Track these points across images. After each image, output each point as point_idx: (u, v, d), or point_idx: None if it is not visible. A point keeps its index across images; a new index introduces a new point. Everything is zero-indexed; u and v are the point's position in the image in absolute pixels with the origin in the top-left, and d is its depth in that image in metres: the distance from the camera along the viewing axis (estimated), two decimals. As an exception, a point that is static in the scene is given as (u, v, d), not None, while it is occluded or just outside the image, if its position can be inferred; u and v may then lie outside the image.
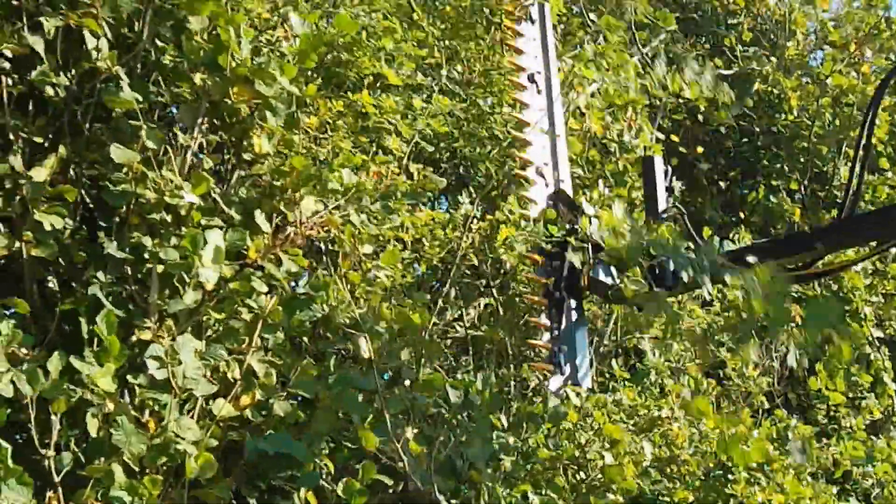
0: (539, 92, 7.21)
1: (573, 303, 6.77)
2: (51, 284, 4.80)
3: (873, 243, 6.44)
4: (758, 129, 10.90)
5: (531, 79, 7.19)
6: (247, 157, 5.07)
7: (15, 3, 4.47)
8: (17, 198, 4.42)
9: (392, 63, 5.93)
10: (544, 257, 6.62)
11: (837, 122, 10.86)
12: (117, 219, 4.72)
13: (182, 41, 4.94)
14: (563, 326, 6.67)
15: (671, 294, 6.62)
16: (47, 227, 4.42)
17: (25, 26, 4.50)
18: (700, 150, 10.59)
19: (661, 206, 6.89)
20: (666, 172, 6.97)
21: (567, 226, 6.68)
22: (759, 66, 10.56)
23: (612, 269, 6.64)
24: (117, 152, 4.48)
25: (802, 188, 10.78)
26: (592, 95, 7.30)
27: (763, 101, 10.84)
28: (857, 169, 6.12)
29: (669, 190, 6.99)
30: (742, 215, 10.82)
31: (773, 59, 10.73)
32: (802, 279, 6.96)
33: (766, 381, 9.22)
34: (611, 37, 7.73)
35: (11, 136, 4.56)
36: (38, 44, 4.42)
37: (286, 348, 4.94)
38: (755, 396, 9.01)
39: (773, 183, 10.72)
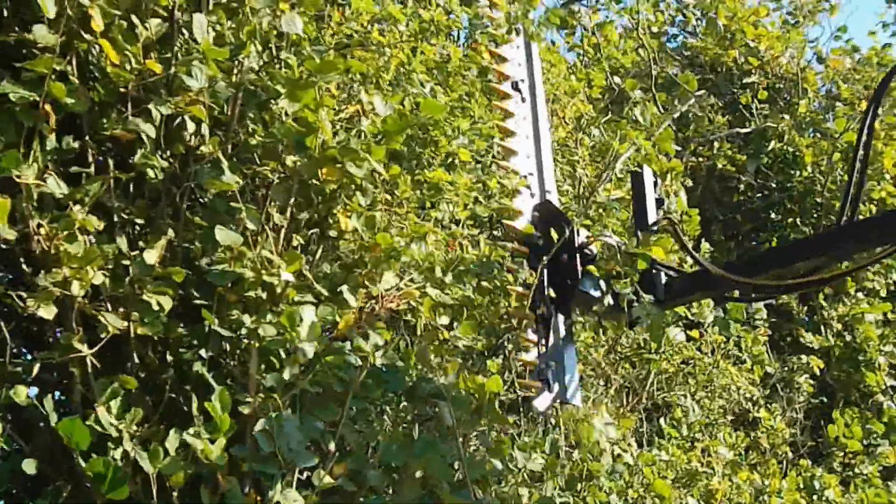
0: (523, 100, 6.97)
1: (560, 318, 6.55)
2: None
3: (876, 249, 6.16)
4: (773, 185, 11.16)
5: (515, 87, 6.97)
6: (331, 233, 5.23)
7: (122, 90, 4.62)
8: (126, 278, 4.56)
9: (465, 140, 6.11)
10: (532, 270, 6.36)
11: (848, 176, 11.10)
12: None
13: (269, 122, 5.12)
14: (550, 343, 6.41)
15: (663, 306, 6.48)
16: (154, 307, 4.55)
17: (130, 112, 4.65)
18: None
19: (651, 217, 6.68)
20: (655, 184, 6.83)
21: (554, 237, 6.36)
22: (774, 123, 10.83)
23: (601, 282, 6.44)
24: (221, 234, 4.63)
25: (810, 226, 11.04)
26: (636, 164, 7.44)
27: (778, 158, 11.12)
28: (857, 174, 6.04)
29: (659, 202, 6.81)
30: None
31: (786, 116, 11.01)
32: (797, 288, 6.89)
33: (789, 432, 9.43)
34: (650, 107, 7.93)
35: (116, 218, 4.69)
36: (148, 129, 4.56)
37: (373, 417, 5.10)
38: (780, 447, 9.20)
39: (791, 237, 10.97)
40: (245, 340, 4.79)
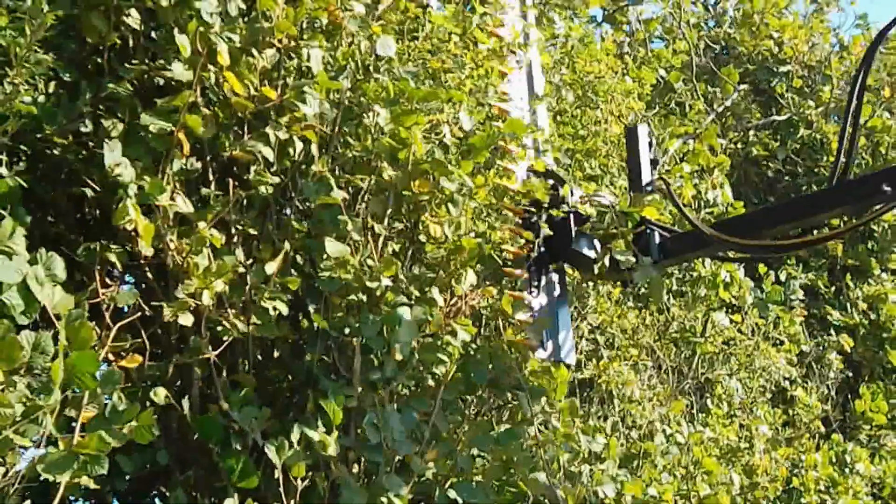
0: (518, 63, 6.90)
1: (555, 277, 6.44)
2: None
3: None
4: (801, 171, 11.57)
5: (511, 50, 6.85)
6: (420, 238, 5.66)
7: (240, 115, 5.03)
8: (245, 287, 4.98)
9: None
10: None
11: (872, 160, 11.54)
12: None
13: (361, 135, 5.53)
14: (545, 301, 6.31)
15: (657, 266, 6.33)
16: (272, 313, 4.99)
17: (247, 135, 5.06)
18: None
19: (646, 178, 6.59)
20: (650, 144, 6.71)
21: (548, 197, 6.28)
22: (803, 110, 11.20)
23: (595, 241, 6.33)
24: (331, 246, 5.06)
25: (842, 223, 11.42)
26: (683, 159, 7.83)
27: (806, 144, 11.51)
28: (849, 131, 5.96)
29: (654, 162, 6.71)
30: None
31: (811, 103, 11.39)
32: (791, 248, 7.13)
33: (821, 408, 9.87)
34: (696, 104, 8.31)
35: (233, 231, 5.12)
36: (266, 151, 4.98)
37: (461, 407, 5.56)
38: (813, 422, 9.65)
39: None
40: (349, 340, 5.23)
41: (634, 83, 8.41)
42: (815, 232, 6.70)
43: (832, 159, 11.63)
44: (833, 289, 11.33)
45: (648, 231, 6.30)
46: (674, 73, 9.18)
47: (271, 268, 4.95)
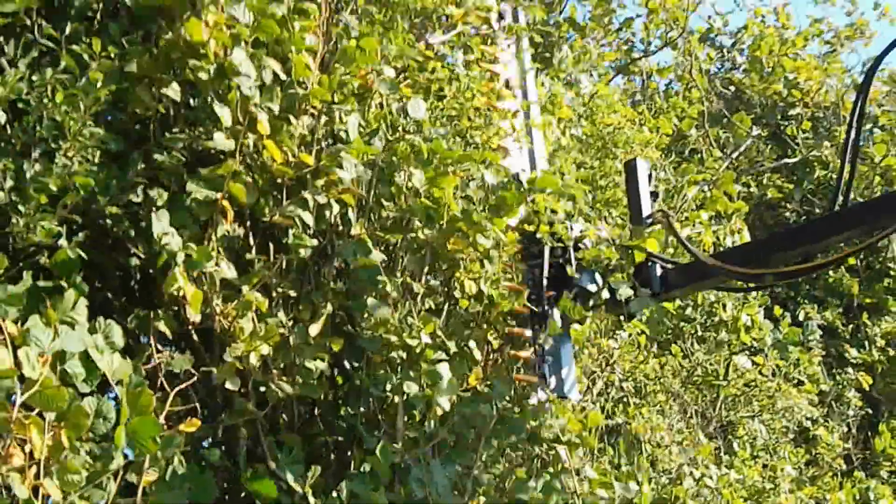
0: (514, 97, 6.91)
1: (556, 312, 6.30)
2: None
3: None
4: (818, 211, 11.68)
5: (507, 85, 6.90)
6: (456, 294, 5.77)
7: (279, 181, 5.15)
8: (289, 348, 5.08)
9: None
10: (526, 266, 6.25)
11: (888, 199, 11.64)
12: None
13: (395, 194, 5.65)
14: (546, 337, 6.15)
15: (659, 298, 6.31)
16: (315, 373, 5.08)
17: (286, 200, 5.17)
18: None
19: (646, 210, 6.53)
20: (649, 176, 6.69)
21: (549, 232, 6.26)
22: (818, 152, 11.34)
23: (596, 275, 6.27)
24: (375, 307, 5.17)
25: (858, 262, 11.58)
26: (701, 206, 7.93)
27: (822, 185, 11.65)
28: (849, 159, 5.86)
29: (653, 195, 6.66)
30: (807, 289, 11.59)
31: (827, 143, 11.53)
32: (793, 276, 6.78)
33: (842, 446, 9.94)
34: (714, 151, 8.45)
35: (273, 294, 5.22)
36: (306, 217, 5.09)
37: (501, 459, 5.65)
38: (835, 460, 9.72)
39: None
40: (390, 397, 5.32)
41: (652, 133, 8.56)
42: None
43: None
44: (850, 327, 11.41)
45: (650, 263, 6.29)
46: (686, 121, 9.31)
47: (314, 329, 5.05)
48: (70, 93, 4.33)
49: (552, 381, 6.19)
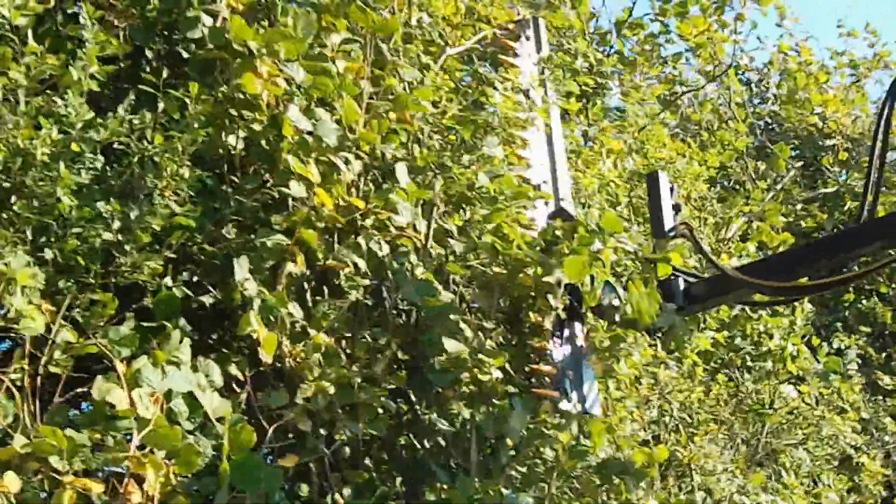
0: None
1: (578, 326, 6.20)
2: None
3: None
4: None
5: (527, 96, 6.80)
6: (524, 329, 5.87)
7: (329, 226, 5.20)
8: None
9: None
10: None
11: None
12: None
13: (460, 234, 5.74)
14: (568, 351, 6.06)
15: (682, 313, 6.20)
16: (380, 411, 5.13)
17: (336, 243, 5.22)
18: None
19: (668, 224, 6.45)
20: (672, 190, 6.59)
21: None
22: (851, 182, 11.46)
23: (619, 288, 6.11)
24: (450, 344, 5.24)
25: (889, 290, 11.68)
26: (745, 238, 8.04)
27: (853, 215, 11.72)
28: (873, 179, 5.86)
29: (676, 208, 6.57)
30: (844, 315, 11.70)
31: (856, 174, 11.64)
32: (818, 289, 6.76)
33: (882, 472, 10.00)
34: (761, 184, 8.56)
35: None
36: (360, 261, 5.14)
37: (568, 491, 5.73)
38: (875, 486, 9.78)
39: (869, 288, 11.62)
40: (461, 431, 5.39)
41: (702, 167, 8.68)
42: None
43: (878, 229, 11.92)
44: (883, 355, 11.50)
45: (673, 277, 6.19)
46: (727, 153, 9.43)
47: (379, 367, 5.12)
48: (169, 135, 4.43)
49: (573, 396, 6.08)
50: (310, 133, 4.94)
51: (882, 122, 5.84)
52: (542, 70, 7.13)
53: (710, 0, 9.10)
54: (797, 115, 11.66)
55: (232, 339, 4.76)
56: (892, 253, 5.67)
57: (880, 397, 11.14)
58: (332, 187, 5.08)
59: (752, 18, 10.47)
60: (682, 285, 6.21)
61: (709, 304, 6.92)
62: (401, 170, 5.41)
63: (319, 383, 4.84)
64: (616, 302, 6.08)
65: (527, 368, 5.77)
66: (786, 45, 11.90)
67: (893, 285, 11.84)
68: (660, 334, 6.56)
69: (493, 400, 5.43)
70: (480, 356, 5.38)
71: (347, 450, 5.26)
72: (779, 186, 9.86)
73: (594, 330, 5.98)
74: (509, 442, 5.43)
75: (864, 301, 11.63)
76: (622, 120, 8.39)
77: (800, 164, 11.11)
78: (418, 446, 5.36)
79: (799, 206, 11.06)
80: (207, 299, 4.68)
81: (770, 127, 12.13)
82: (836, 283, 6.28)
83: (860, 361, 10.79)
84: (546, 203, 6.43)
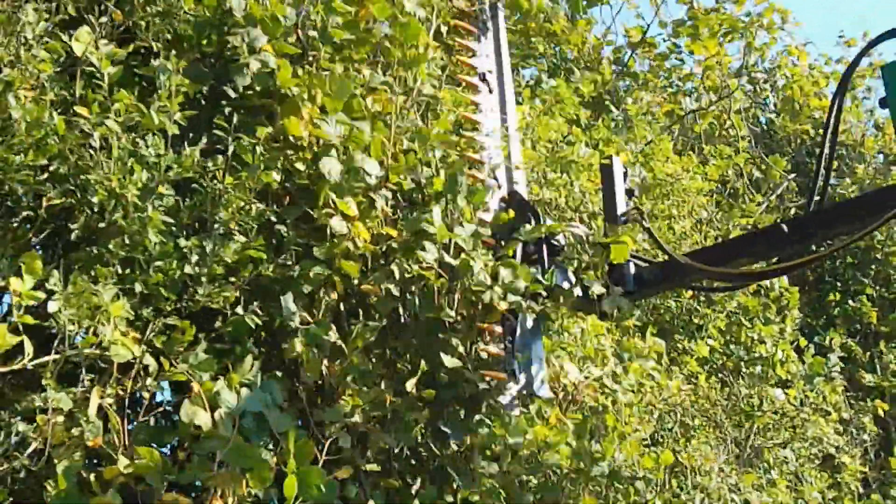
0: (491, 92, 6.71)
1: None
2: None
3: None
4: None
5: (482, 78, 6.71)
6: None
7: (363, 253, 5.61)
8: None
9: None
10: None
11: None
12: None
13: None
14: (518, 333, 6.00)
15: (633, 297, 6.20)
16: (411, 424, 5.51)
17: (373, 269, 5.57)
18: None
19: (621, 208, 6.39)
20: (625, 174, 6.55)
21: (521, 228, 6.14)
22: (842, 189, 11.95)
23: (569, 272, 6.15)
24: (447, 360, 5.64)
25: (874, 291, 12.23)
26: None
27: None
28: (825, 162, 5.80)
29: (629, 192, 6.53)
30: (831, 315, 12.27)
31: (848, 181, 12.14)
32: (768, 276, 6.87)
33: (860, 469, 10.57)
34: (757, 197, 9.03)
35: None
36: (392, 287, 5.46)
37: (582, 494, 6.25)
38: (853, 483, 10.34)
39: (854, 288, 12.19)
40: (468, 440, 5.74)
41: (705, 182, 9.15)
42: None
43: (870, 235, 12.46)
44: (867, 354, 12.05)
45: (624, 262, 6.14)
46: (724, 162, 9.89)
47: (410, 384, 5.55)
48: (239, 175, 4.88)
49: (521, 378, 6.02)
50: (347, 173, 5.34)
51: (832, 115, 5.78)
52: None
53: (719, 24, 9.50)
54: (792, 124, 12.10)
55: (281, 359, 5.20)
56: (841, 240, 5.76)
57: (860, 394, 11.68)
58: (368, 220, 5.46)
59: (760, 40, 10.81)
60: (632, 270, 6.21)
61: (659, 289, 6.97)
62: (436, 213, 5.64)
63: (356, 400, 5.24)
64: (566, 284, 6.12)
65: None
66: (794, 48, 12.20)
67: (878, 286, 12.39)
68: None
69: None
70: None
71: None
72: (771, 196, 10.33)
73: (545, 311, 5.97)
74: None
75: (850, 302, 12.18)
76: (630, 132, 8.84)
77: (793, 175, 11.55)
78: (438, 454, 5.74)
79: (792, 212, 11.55)
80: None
81: (767, 133, 12.58)
82: (785, 270, 6.28)
83: (843, 362, 11.31)
84: (499, 187, 6.42)
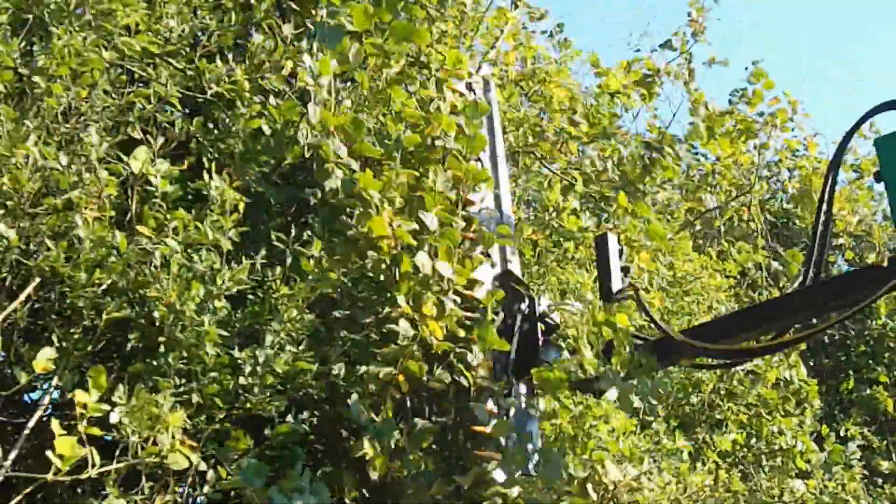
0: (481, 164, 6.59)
1: (523, 388, 6.19)
2: None
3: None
4: (853, 333, 12.54)
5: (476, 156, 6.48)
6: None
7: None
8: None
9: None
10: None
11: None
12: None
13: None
14: (511, 413, 6.00)
15: (628, 375, 6.03)
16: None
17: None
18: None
19: (616, 285, 6.35)
20: (620, 252, 6.49)
21: (516, 307, 6.20)
22: (854, 279, 12.15)
23: (564, 351, 6.17)
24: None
25: (889, 378, 12.42)
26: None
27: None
28: (820, 234, 5.70)
29: (624, 270, 6.48)
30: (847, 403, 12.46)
31: (860, 271, 12.34)
32: (762, 352, 6.88)
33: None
34: (774, 291, 9.23)
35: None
36: (445, 378, 5.67)
37: None
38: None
39: (868, 376, 12.39)
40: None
41: (724, 279, 9.37)
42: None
43: (880, 322, 12.69)
44: (884, 442, 12.18)
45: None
46: (743, 255, 10.12)
47: (467, 481, 5.73)
48: (293, 287, 5.10)
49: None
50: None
51: (826, 191, 5.78)
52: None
53: (734, 125, 9.79)
54: (809, 216, 12.31)
55: (339, 457, 5.39)
56: (834, 316, 5.71)
57: (879, 480, 11.79)
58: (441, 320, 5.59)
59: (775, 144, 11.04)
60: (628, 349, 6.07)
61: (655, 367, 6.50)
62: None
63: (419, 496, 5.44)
64: None
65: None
66: (794, 141, 12.45)
67: (892, 374, 12.57)
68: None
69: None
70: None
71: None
72: (789, 289, 10.51)
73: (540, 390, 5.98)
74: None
75: (868, 390, 12.37)
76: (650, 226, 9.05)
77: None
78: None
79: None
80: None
81: (782, 221, 12.83)
82: (780, 346, 6.32)
83: (861, 450, 11.43)
84: (493, 265, 6.34)
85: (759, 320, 5.90)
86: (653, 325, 6.24)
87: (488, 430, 5.78)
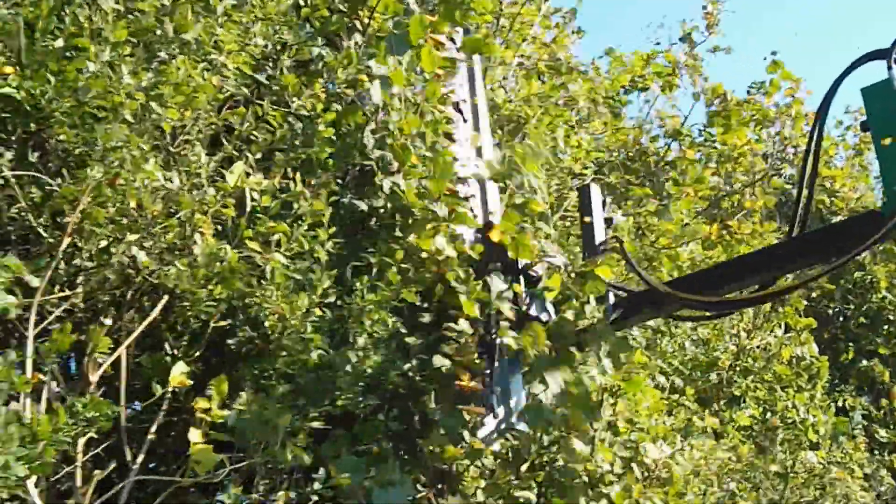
0: (465, 121, 6.62)
1: (506, 340, 5.96)
2: None
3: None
4: (853, 307, 13.03)
5: (456, 108, 6.60)
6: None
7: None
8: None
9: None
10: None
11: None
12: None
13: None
14: (496, 367, 5.95)
15: (612, 327, 6.03)
16: None
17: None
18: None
19: (599, 238, 6.34)
20: (604, 203, 6.51)
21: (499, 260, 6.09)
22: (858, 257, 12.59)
23: (548, 303, 6.11)
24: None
25: (886, 350, 12.93)
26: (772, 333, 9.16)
27: (857, 284, 12.95)
28: (805, 188, 5.65)
29: (608, 221, 6.46)
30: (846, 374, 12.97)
31: (861, 246, 12.76)
32: (747, 304, 6.87)
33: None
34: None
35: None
36: None
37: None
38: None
39: (868, 349, 12.89)
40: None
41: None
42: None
43: (880, 296, 13.15)
44: (882, 412, 12.70)
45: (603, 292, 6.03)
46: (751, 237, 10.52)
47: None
48: (380, 294, 5.46)
49: (500, 411, 5.97)
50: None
51: (812, 144, 5.66)
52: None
53: (751, 115, 10.11)
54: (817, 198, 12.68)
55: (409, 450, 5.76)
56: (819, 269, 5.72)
57: (877, 449, 12.32)
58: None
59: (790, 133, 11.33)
60: (612, 300, 6.12)
61: (640, 319, 6.68)
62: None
63: (479, 481, 5.79)
64: (545, 316, 6.09)
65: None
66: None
67: (889, 345, 13.10)
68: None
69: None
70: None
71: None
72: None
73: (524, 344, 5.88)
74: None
75: (864, 361, 12.88)
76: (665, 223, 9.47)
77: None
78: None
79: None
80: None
81: (783, 202, 13.22)
82: (765, 298, 6.19)
83: (864, 421, 11.96)
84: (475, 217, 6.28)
85: (744, 271, 5.79)
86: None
87: (473, 385, 5.72)
